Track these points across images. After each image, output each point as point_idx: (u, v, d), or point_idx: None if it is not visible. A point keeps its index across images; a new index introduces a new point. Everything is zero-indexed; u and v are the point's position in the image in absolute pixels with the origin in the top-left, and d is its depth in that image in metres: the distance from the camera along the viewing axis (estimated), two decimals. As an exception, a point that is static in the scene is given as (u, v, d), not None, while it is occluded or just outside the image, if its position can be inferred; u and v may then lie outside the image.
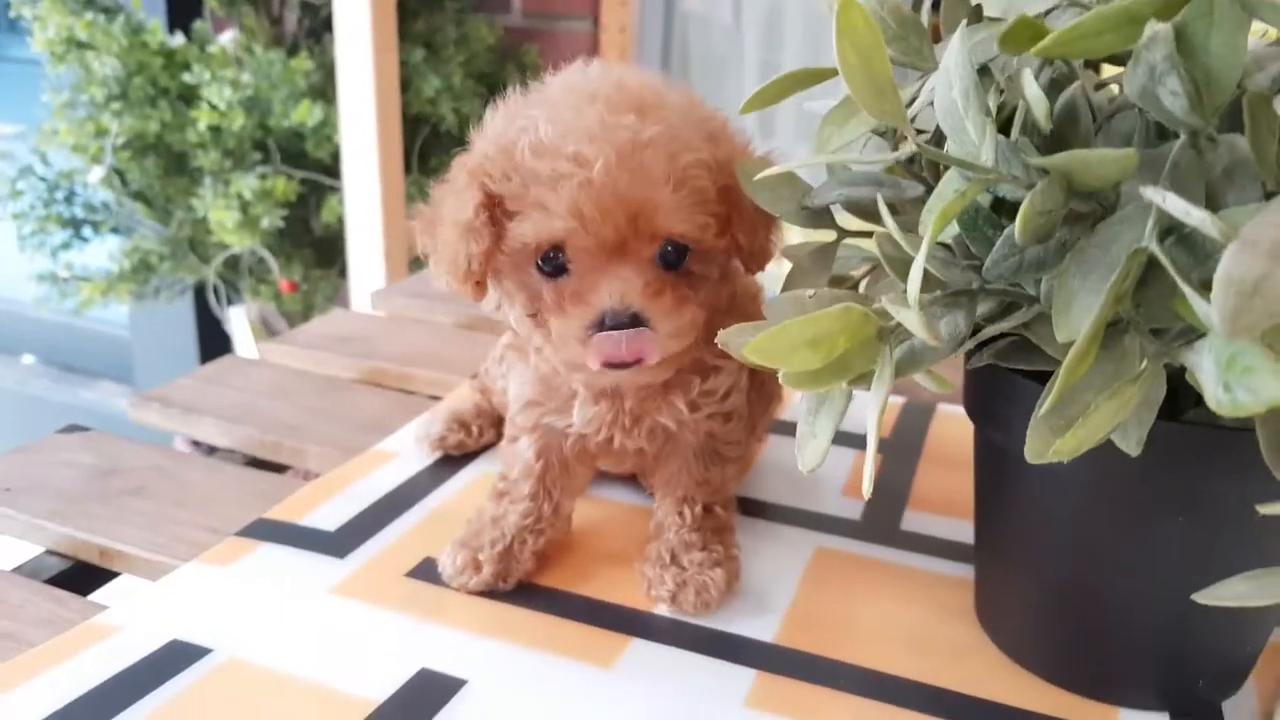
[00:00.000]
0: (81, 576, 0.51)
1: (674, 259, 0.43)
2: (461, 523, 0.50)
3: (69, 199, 1.53)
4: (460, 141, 1.50)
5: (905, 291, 0.33)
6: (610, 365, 0.41)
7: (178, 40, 1.47)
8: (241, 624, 0.44)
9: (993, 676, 0.43)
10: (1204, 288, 0.27)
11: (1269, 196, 0.31)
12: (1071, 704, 0.42)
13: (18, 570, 0.50)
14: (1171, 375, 0.33)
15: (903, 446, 0.63)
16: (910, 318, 0.32)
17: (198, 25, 1.57)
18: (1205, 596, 0.33)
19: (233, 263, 1.58)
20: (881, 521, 0.55)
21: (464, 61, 1.57)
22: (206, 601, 0.45)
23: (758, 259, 0.46)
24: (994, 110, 0.38)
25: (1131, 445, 0.33)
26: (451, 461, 0.59)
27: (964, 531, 0.51)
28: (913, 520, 0.55)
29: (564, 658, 0.43)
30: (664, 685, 0.42)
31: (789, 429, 0.55)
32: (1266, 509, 0.30)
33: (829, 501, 0.57)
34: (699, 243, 0.43)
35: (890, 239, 0.36)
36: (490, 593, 0.47)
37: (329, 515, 0.53)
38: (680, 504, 0.50)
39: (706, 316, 0.45)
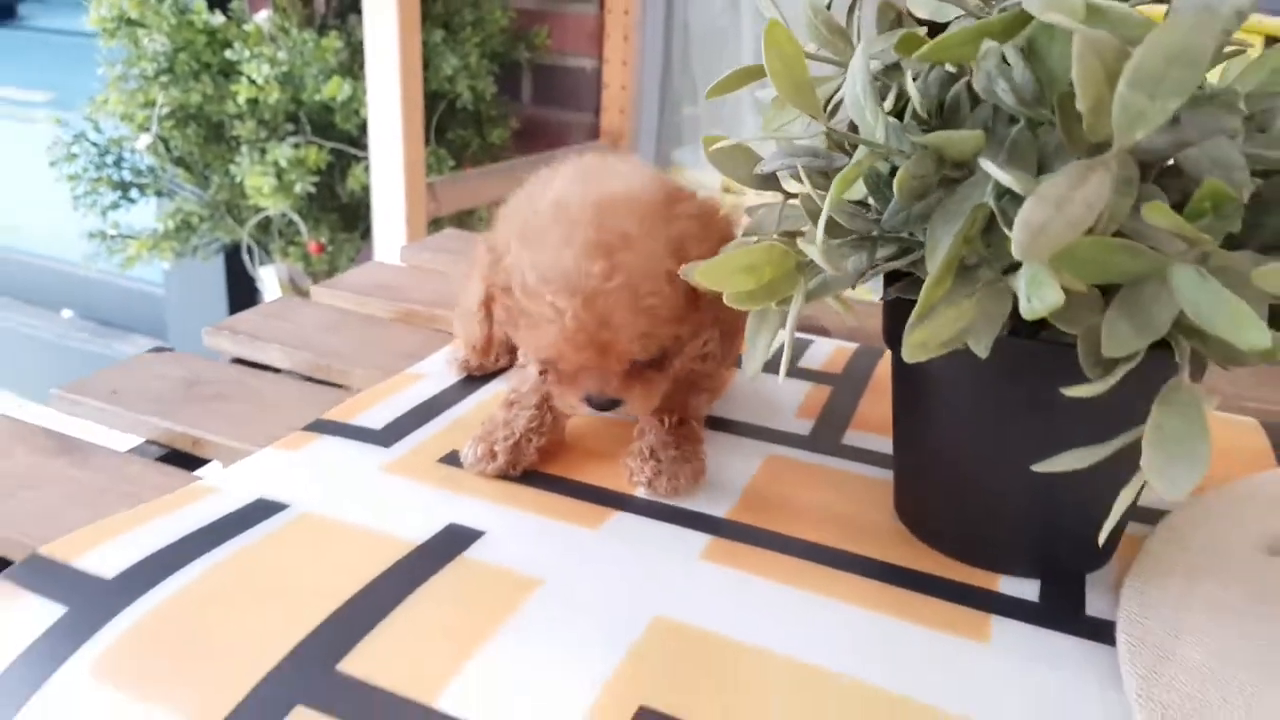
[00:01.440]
0: (175, 462, 0.63)
1: (654, 358, 0.56)
2: (472, 426, 0.62)
3: (118, 163, 1.66)
4: (475, 116, 1.61)
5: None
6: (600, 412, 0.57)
7: (218, 19, 1.59)
8: (312, 489, 0.56)
9: (901, 549, 0.54)
10: (1017, 229, 0.38)
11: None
12: (961, 570, 0.53)
13: (131, 451, 0.62)
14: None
15: (852, 381, 0.75)
16: (814, 251, 0.44)
17: (235, 4, 1.69)
18: (1041, 466, 0.45)
19: (265, 225, 1.71)
20: (826, 437, 0.67)
21: (479, 42, 1.69)
22: (284, 473, 0.58)
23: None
24: (893, 101, 0.50)
25: (981, 349, 0.44)
26: (473, 380, 0.71)
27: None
28: (853, 437, 0.67)
29: (560, 521, 0.55)
30: (638, 543, 0.54)
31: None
32: (1071, 391, 0.42)
33: (783, 421, 0.69)
34: (662, 349, 0.56)
35: (810, 197, 0.48)
36: (502, 477, 0.59)
37: (375, 417, 0.65)
38: (660, 414, 0.61)
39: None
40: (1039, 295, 0.39)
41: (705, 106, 1.99)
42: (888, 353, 0.80)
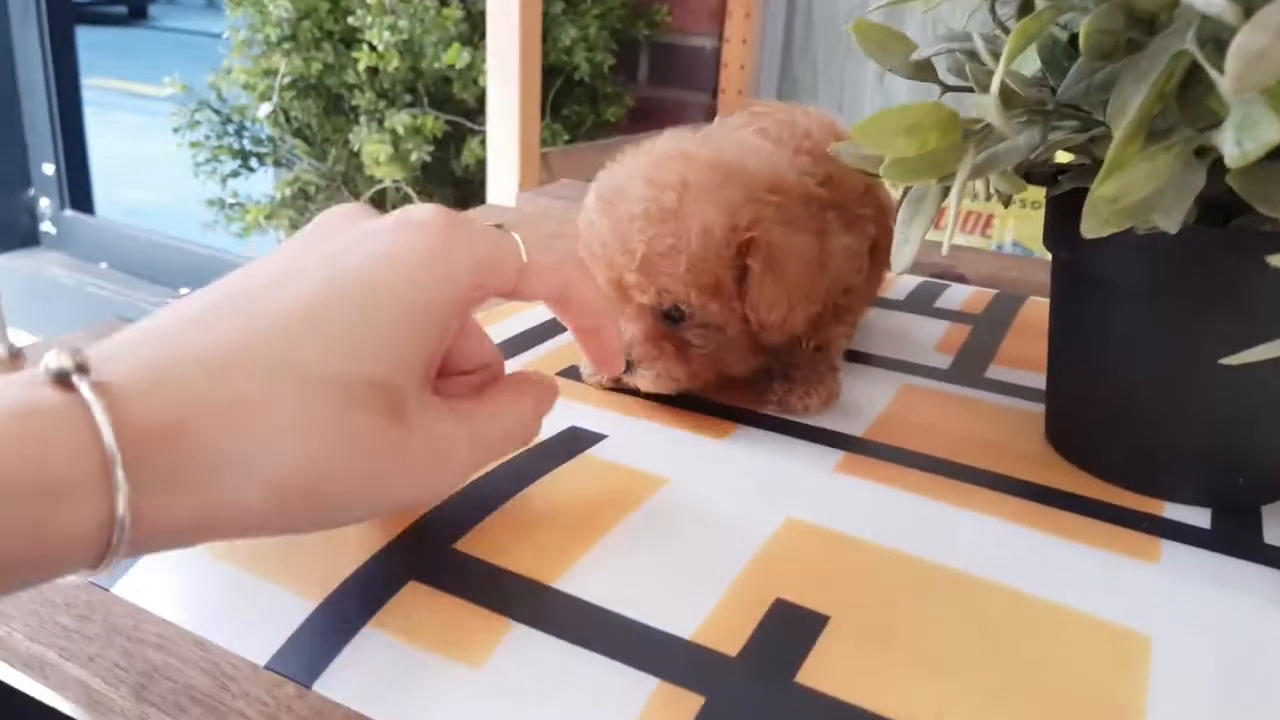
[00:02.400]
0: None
1: (676, 316, 0.51)
2: None
3: (239, 132, 1.69)
4: (592, 90, 1.60)
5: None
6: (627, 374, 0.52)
7: (341, -13, 1.61)
8: (427, 388, 0.54)
9: (1056, 473, 0.50)
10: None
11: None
12: (1124, 495, 0.48)
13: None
14: (1222, 192, 0.40)
15: (994, 321, 0.70)
16: (989, 106, 0.39)
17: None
18: (1232, 359, 0.40)
19: (379, 197, 1.72)
20: (968, 370, 0.62)
21: (599, 15, 1.67)
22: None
23: (774, 327, 0.51)
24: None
25: (1171, 223, 0.39)
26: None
27: (1042, 381, 0.57)
28: (996, 371, 0.62)
29: (684, 430, 0.52)
30: (766, 456, 0.50)
31: (888, 303, 0.63)
32: (1276, 259, 0.37)
33: (922, 355, 0.64)
34: (687, 303, 0.50)
35: (984, 69, 0.44)
36: (617, 389, 0.56)
37: (497, 334, 0.62)
38: (797, 340, 0.57)
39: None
40: (1252, 135, 0.34)
41: (825, 93, 1.94)
42: (1031, 298, 0.75)
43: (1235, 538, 0.45)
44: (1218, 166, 0.38)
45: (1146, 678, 0.35)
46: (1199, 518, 0.46)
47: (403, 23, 1.51)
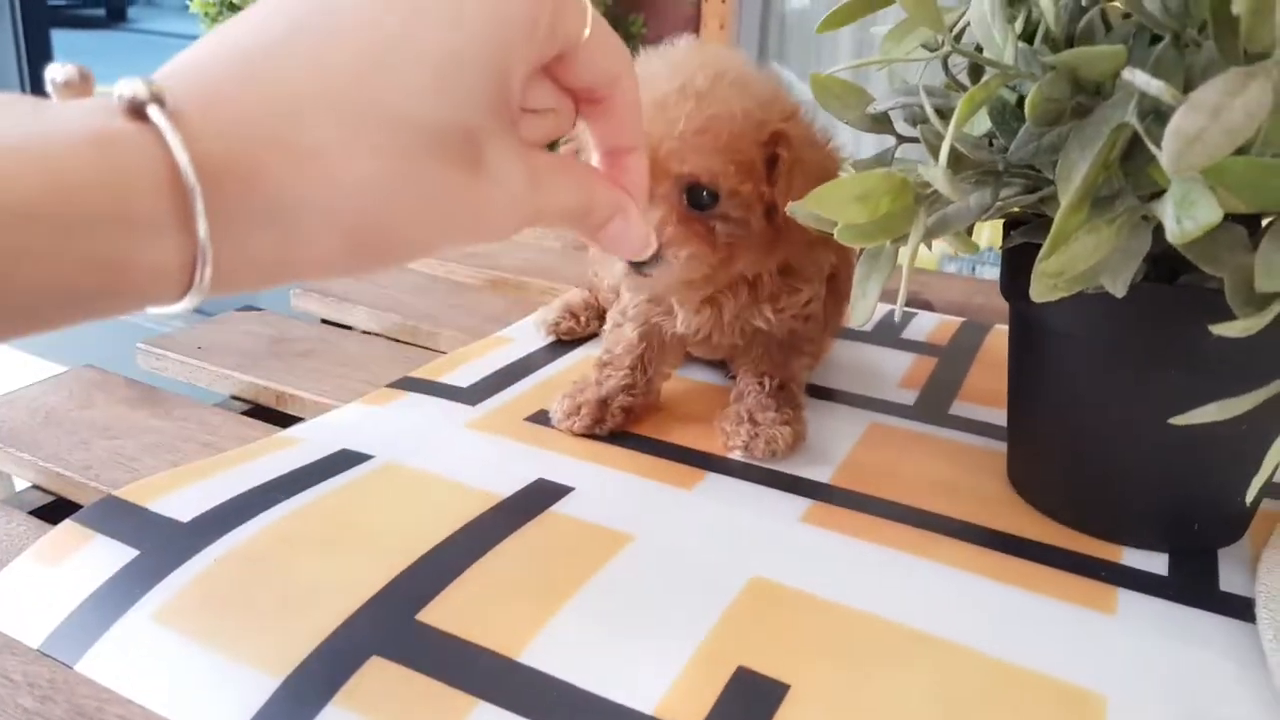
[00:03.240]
0: (258, 417, 0.62)
1: (705, 199, 0.50)
2: (554, 389, 0.60)
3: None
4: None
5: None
6: (634, 272, 0.50)
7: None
8: (397, 441, 0.54)
9: (1016, 518, 0.50)
10: (1166, 148, 0.34)
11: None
12: (1082, 541, 0.49)
13: (216, 405, 0.61)
14: (1168, 249, 0.40)
15: (958, 353, 0.71)
16: (937, 175, 0.40)
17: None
18: (1181, 419, 0.41)
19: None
20: (932, 406, 0.63)
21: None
22: (368, 426, 0.56)
23: (792, 229, 0.51)
24: (1022, 24, 0.46)
25: (1118, 287, 0.40)
26: (561, 345, 0.69)
27: (1004, 417, 0.58)
28: (960, 408, 0.63)
29: (652, 480, 0.52)
30: (733, 505, 0.50)
31: (855, 335, 0.63)
32: (1220, 329, 0.38)
33: (887, 390, 0.65)
34: (722, 185, 0.49)
35: (934, 130, 0.44)
36: (589, 435, 0.56)
37: (462, 376, 0.63)
38: (760, 377, 0.58)
39: (782, 262, 0.55)
40: (1191, 215, 0.35)
41: (802, 98, 1.94)
42: (996, 326, 0.76)
43: (1192, 585, 0.46)
44: (1163, 227, 0.39)
45: (1099, 742, 0.36)
46: (1156, 564, 0.47)
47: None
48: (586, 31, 0.33)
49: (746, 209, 0.51)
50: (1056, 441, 0.51)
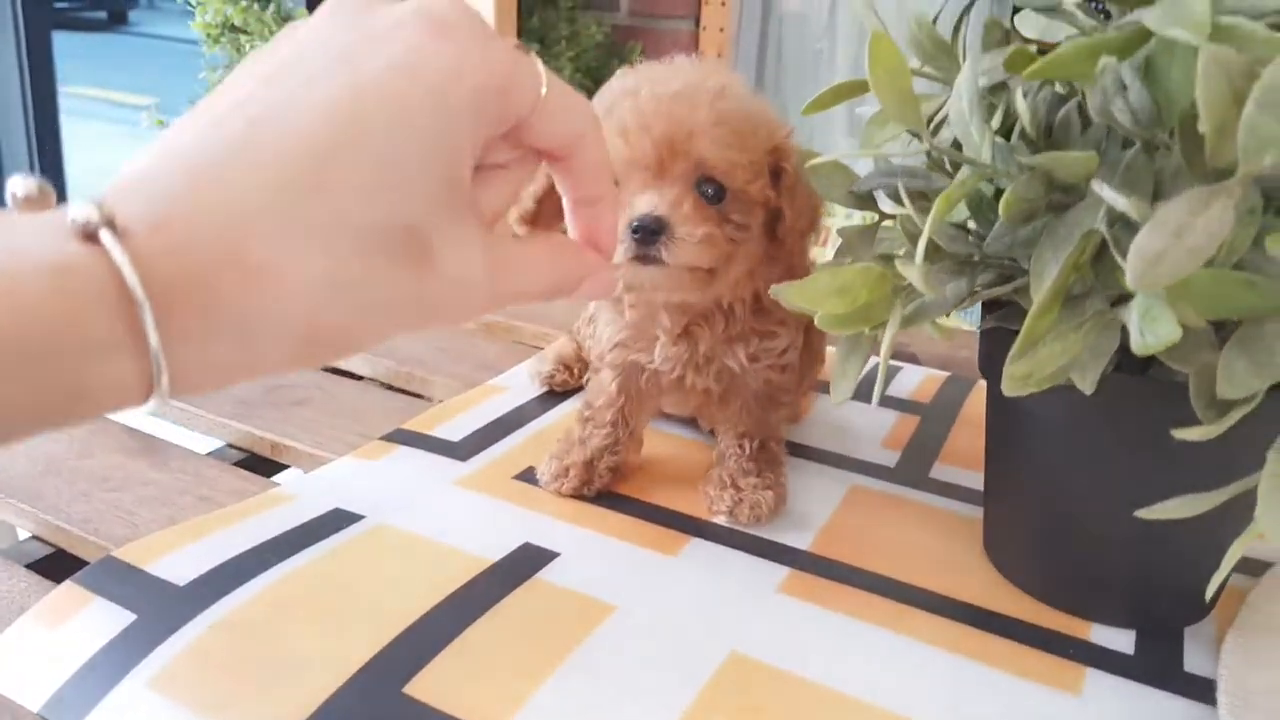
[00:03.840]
0: (254, 466, 0.63)
1: (712, 195, 0.51)
2: (544, 444, 0.61)
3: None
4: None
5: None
6: (638, 259, 0.50)
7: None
8: (387, 501, 0.55)
9: (989, 591, 0.52)
10: (1132, 259, 0.36)
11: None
12: (1052, 616, 0.50)
13: (210, 454, 0.62)
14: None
15: (941, 411, 0.72)
16: (913, 272, 0.41)
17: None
18: (1146, 512, 0.42)
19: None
20: (913, 469, 0.64)
21: (573, 57, 1.69)
22: (361, 483, 0.57)
23: (799, 234, 0.54)
24: (1000, 118, 0.47)
25: (1086, 385, 0.41)
26: (553, 395, 0.70)
27: (981, 480, 0.59)
28: (941, 470, 0.64)
29: (636, 545, 0.54)
30: (715, 572, 0.52)
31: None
32: (1181, 433, 0.39)
33: (868, 450, 0.66)
34: (733, 180, 0.51)
35: (910, 219, 0.46)
36: (576, 496, 0.58)
37: (454, 429, 0.64)
38: (740, 438, 0.59)
39: (760, 288, 0.55)
40: (1153, 330, 0.36)
41: (795, 127, 1.96)
42: (981, 383, 0.77)
43: (1157, 665, 0.47)
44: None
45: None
46: (1123, 641, 0.49)
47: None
48: (543, 91, 0.32)
49: (748, 213, 0.53)
50: (1028, 516, 0.52)
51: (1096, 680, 0.46)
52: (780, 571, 0.52)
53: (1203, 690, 0.45)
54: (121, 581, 0.47)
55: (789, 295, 0.43)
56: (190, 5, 1.59)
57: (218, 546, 0.50)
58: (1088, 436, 0.48)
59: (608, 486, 0.59)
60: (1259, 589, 0.51)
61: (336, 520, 0.53)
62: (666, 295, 0.54)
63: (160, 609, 0.45)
